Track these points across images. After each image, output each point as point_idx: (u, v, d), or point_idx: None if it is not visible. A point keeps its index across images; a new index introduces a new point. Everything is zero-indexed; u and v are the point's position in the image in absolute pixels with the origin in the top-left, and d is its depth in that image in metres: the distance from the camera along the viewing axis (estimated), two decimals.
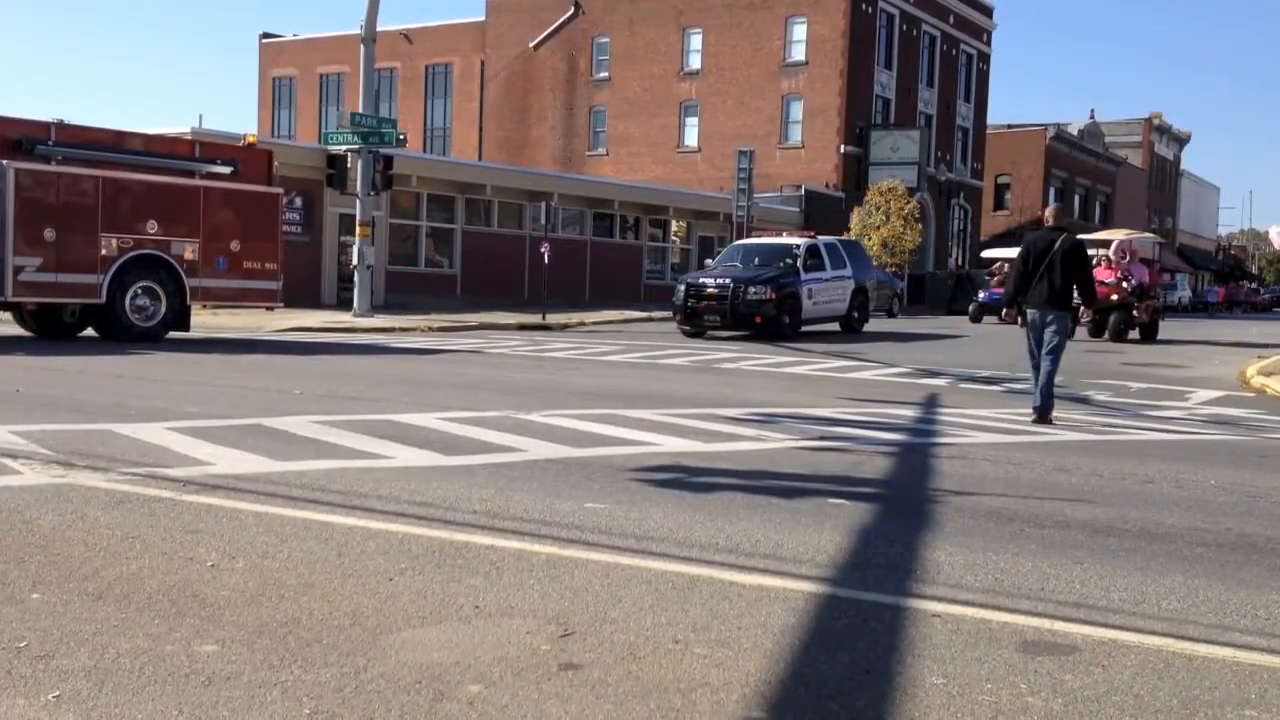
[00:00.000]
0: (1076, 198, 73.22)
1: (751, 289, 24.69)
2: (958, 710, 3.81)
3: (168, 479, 7.08)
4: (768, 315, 24.67)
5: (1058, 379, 12.27)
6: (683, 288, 25.70)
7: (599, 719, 3.64)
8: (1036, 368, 11.93)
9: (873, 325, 31.38)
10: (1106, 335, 27.75)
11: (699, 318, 25.10)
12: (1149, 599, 5.25)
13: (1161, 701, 3.95)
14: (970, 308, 40.95)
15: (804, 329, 26.58)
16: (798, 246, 26.78)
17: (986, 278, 42.48)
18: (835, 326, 28.31)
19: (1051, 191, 71.35)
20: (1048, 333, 11.85)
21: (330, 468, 7.65)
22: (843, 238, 33.51)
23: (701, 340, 24.54)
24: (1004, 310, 12.97)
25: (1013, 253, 39.21)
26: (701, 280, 25.60)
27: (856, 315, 28.40)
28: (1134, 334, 28.53)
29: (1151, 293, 29.18)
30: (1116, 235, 32.04)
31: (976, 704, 3.87)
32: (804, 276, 25.96)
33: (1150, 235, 36.33)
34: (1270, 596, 5.36)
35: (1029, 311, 11.99)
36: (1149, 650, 4.49)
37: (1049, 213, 12.56)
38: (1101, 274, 26.37)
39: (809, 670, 4.14)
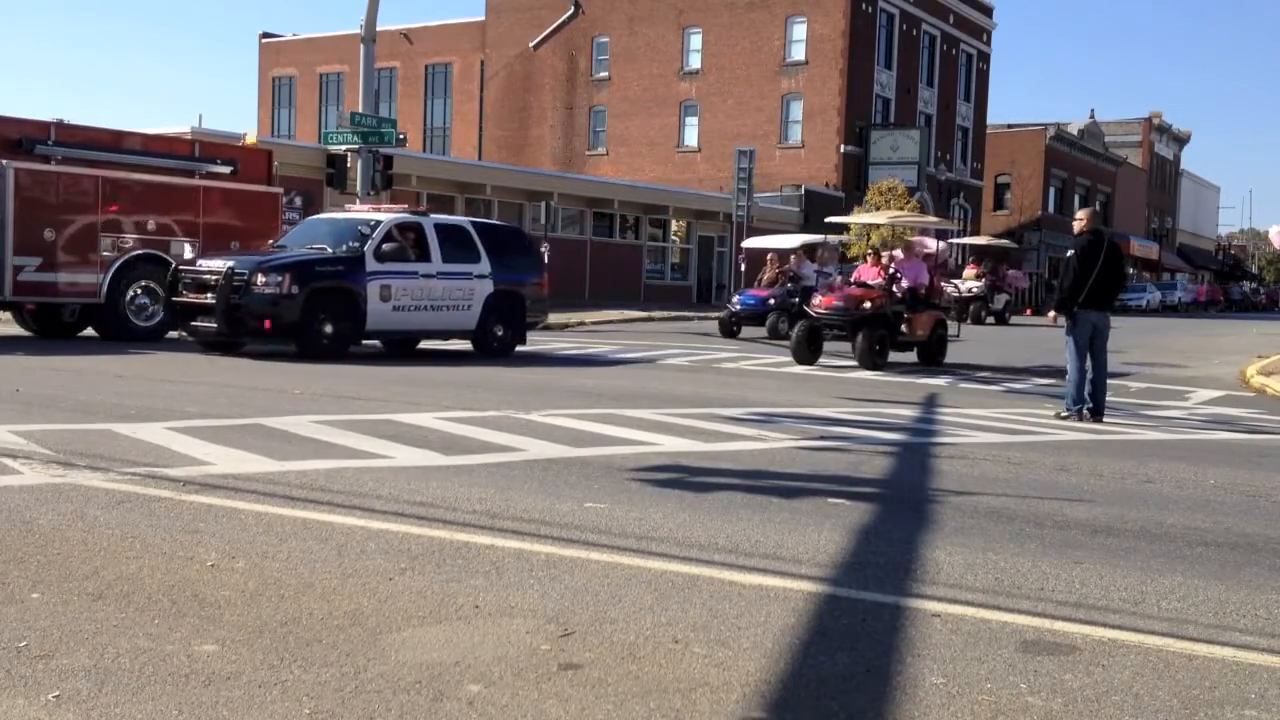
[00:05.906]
0: (1076, 197, 73.15)
1: (262, 278, 15.71)
2: (958, 710, 3.81)
3: (167, 479, 7.08)
4: (285, 320, 15.85)
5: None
6: (172, 274, 17.01)
7: (599, 719, 3.64)
8: (1081, 369, 12.12)
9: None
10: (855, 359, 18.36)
11: (190, 318, 16.61)
12: (1149, 599, 5.25)
13: (1161, 701, 3.95)
14: (721, 315, 28.19)
15: (384, 345, 18.16)
16: (373, 224, 17.14)
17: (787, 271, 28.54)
18: (466, 345, 18.46)
19: (1051, 191, 71.36)
20: (1100, 333, 12.26)
21: (330, 467, 7.65)
22: (491, 220, 24.23)
23: (233, 358, 16.26)
24: (1052, 314, 12.74)
25: (775, 242, 32.90)
26: (199, 263, 16.80)
27: (500, 332, 18.12)
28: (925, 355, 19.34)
29: (935, 299, 19.75)
30: (879, 219, 25.60)
31: (976, 704, 3.86)
32: (376, 267, 16.68)
33: (935, 219, 25.96)
34: (1270, 596, 5.36)
35: (1084, 314, 12.15)
36: (1149, 650, 4.49)
37: (1084, 215, 12.54)
38: (865, 272, 20.00)
39: (809, 670, 4.14)
